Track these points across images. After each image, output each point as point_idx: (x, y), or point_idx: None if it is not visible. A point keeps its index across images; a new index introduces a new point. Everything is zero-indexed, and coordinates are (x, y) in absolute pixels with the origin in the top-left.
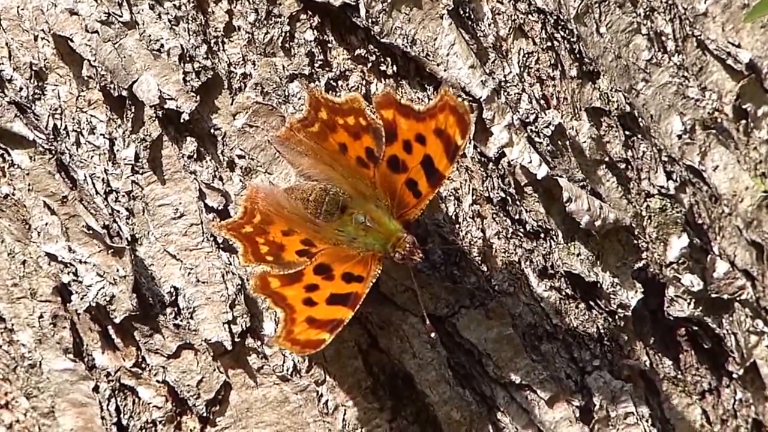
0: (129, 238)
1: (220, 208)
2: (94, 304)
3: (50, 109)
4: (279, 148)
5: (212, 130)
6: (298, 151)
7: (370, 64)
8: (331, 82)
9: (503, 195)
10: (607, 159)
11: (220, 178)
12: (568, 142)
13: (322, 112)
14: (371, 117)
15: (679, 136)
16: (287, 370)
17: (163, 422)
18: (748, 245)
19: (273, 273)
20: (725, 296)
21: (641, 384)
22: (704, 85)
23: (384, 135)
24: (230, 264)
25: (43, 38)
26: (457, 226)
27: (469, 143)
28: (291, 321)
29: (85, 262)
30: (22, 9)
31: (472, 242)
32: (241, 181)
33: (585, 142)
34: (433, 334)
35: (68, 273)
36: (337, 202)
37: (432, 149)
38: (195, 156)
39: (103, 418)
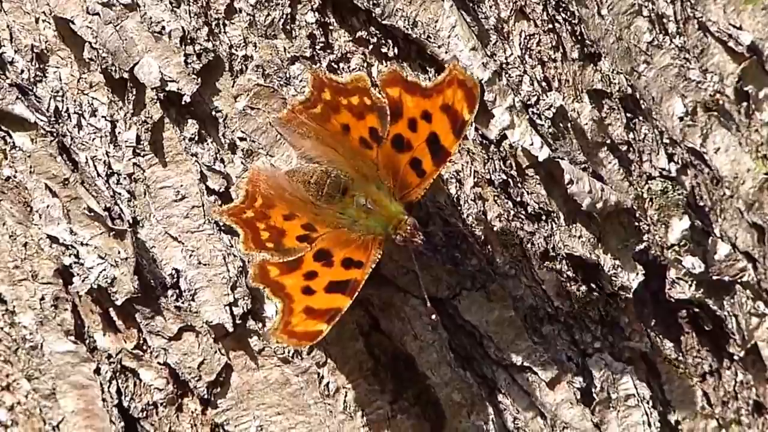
0: (130, 221)
1: (221, 190)
2: (95, 286)
3: (51, 92)
4: (280, 130)
5: (213, 113)
6: (299, 133)
7: (371, 46)
8: (333, 64)
9: (504, 177)
10: (608, 141)
11: (222, 161)
12: (569, 125)
13: (325, 93)
14: (376, 96)
15: (681, 118)
16: (288, 352)
17: (164, 404)
18: (749, 227)
19: (272, 261)
20: (726, 278)
21: (642, 366)
22: (705, 67)
23: (389, 114)
24: (231, 246)
25: (44, 20)
26: (459, 208)
27: (472, 124)
28: (289, 311)
29: (87, 245)
30: None
31: (474, 225)
32: (242, 163)
33: (586, 124)
34: (433, 317)
35: (70, 255)
36: (339, 185)
37: (438, 126)
38: (196, 138)
39: (104, 400)
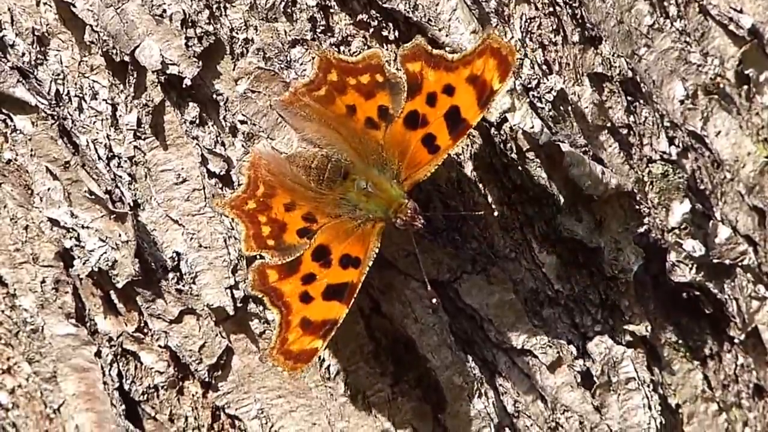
0: (131, 204)
1: (222, 173)
2: (96, 269)
3: (52, 75)
4: (282, 113)
5: (214, 96)
6: (301, 116)
7: (372, 30)
8: (333, 47)
9: (505, 160)
10: (609, 124)
11: (223, 144)
12: (570, 108)
13: (332, 74)
14: (391, 72)
15: (681, 102)
16: None
17: (165, 387)
18: (749, 211)
19: (271, 264)
20: (727, 261)
21: (643, 349)
22: (706, 50)
23: (405, 89)
24: (232, 229)
25: (45, 3)
26: (459, 191)
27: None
28: (286, 325)
29: (88, 228)
30: None
31: (474, 208)
32: (243, 146)
33: (587, 107)
34: (434, 300)
35: (70, 238)
36: (339, 169)
37: (461, 99)
38: (197, 121)
39: (105, 383)
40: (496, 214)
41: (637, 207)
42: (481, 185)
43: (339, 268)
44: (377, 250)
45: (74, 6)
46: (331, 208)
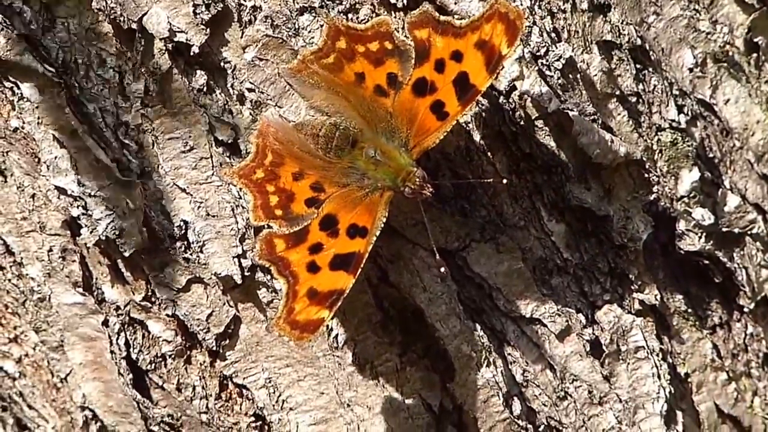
0: (138, 172)
1: (229, 141)
2: (103, 238)
3: (60, 43)
4: (290, 81)
5: (222, 63)
6: (310, 84)
7: None
8: (342, 14)
9: (514, 129)
10: (618, 92)
11: (230, 112)
12: (578, 76)
13: (340, 42)
14: (400, 39)
15: (690, 70)
16: None
17: (172, 356)
18: (759, 179)
19: (279, 233)
20: (736, 230)
21: (652, 318)
22: (715, 18)
23: (413, 57)
24: (240, 198)
25: None
26: (468, 159)
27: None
28: (293, 295)
29: (95, 196)
30: None
31: (483, 176)
32: (251, 114)
33: (596, 75)
34: (443, 269)
35: (78, 206)
36: (348, 137)
37: (469, 65)
38: (205, 89)
39: (112, 352)
40: (505, 181)
41: (646, 175)
42: (489, 154)
43: (346, 237)
44: (384, 220)
45: None
46: (339, 176)
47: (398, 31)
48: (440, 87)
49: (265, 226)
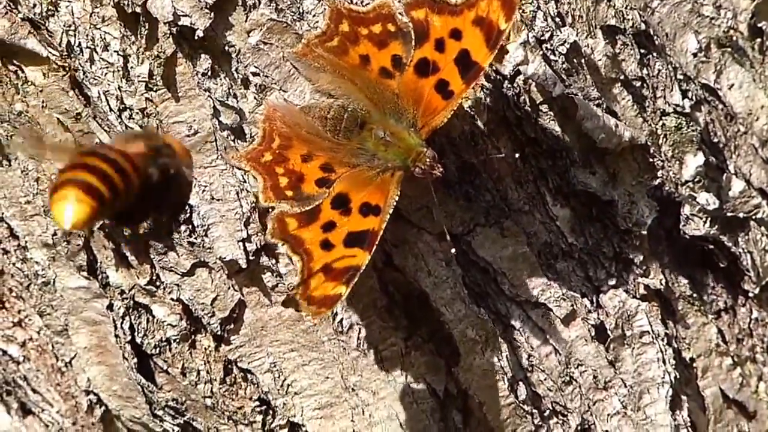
0: None
1: (234, 125)
2: (108, 221)
3: (64, 26)
4: (296, 65)
5: (227, 47)
6: (315, 67)
7: None
8: None
9: (518, 113)
10: (622, 77)
11: (235, 96)
12: (583, 60)
13: (343, 25)
14: (402, 21)
15: (695, 55)
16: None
17: (177, 340)
18: (763, 164)
19: (290, 213)
20: (741, 215)
21: (657, 303)
22: (719, 3)
23: (413, 38)
24: (244, 182)
25: None
26: (473, 144)
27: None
28: (308, 272)
29: None
30: None
31: (488, 160)
32: (255, 98)
33: (600, 60)
34: (453, 250)
35: None
36: (356, 119)
37: (469, 42)
38: (209, 73)
39: (117, 336)
40: (509, 166)
41: (651, 160)
42: (494, 138)
43: (359, 216)
44: (397, 199)
45: None
46: (348, 157)
47: (401, 14)
48: (443, 66)
49: (275, 207)
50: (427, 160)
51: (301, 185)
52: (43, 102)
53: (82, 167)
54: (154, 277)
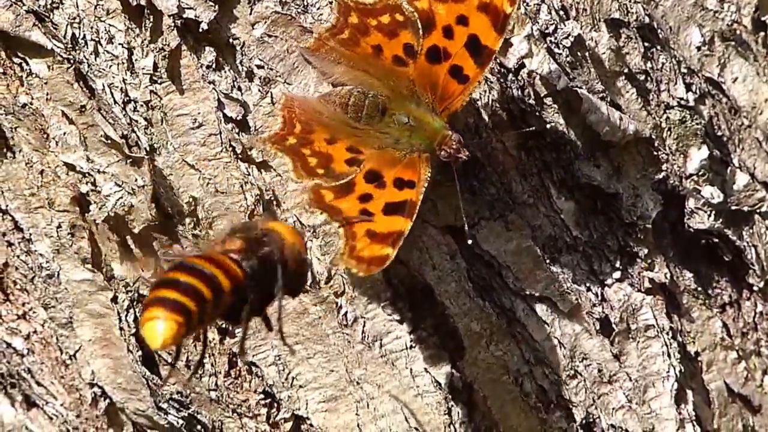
0: (147, 148)
1: (238, 118)
2: (112, 214)
3: (68, 18)
4: (310, 60)
5: (231, 40)
6: (329, 60)
7: None
8: None
9: (523, 106)
10: (626, 70)
11: (239, 88)
12: (587, 54)
13: (352, 17)
14: (409, 10)
15: (698, 48)
16: (306, 281)
17: None
18: (767, 157)
19: (325, 185)
20: (745, 208)
21: (661, 297)
22: None
23: (420, 27)
24: (249, 174)
25: None
26: (477, 137)
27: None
28: (352, 236)
29: (104, 172)
30: None
31: (492, 154)
32: (259, 91)
33: (604, 53)
34: (466, 227)
35: (86, 183)
36: (377, 105)
37: (477, 27)
38: (214, 66)
39: (121, 329)
40: (513, 160)
41: (655, 153)
42: (498, 131)
43: (394, 189)
44: (430, 173)
45: None
46: (372, 141)
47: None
48: (453, 52)
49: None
50: (453, 143)
51: (331, 164)
52: (47, 94)
53: (167, 284)
54: (159, 270)
